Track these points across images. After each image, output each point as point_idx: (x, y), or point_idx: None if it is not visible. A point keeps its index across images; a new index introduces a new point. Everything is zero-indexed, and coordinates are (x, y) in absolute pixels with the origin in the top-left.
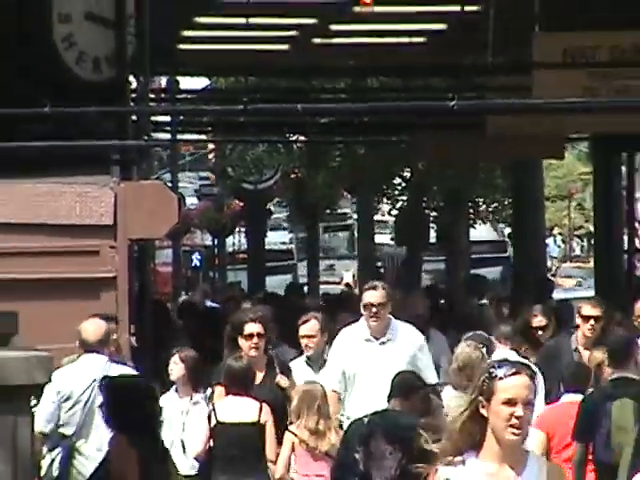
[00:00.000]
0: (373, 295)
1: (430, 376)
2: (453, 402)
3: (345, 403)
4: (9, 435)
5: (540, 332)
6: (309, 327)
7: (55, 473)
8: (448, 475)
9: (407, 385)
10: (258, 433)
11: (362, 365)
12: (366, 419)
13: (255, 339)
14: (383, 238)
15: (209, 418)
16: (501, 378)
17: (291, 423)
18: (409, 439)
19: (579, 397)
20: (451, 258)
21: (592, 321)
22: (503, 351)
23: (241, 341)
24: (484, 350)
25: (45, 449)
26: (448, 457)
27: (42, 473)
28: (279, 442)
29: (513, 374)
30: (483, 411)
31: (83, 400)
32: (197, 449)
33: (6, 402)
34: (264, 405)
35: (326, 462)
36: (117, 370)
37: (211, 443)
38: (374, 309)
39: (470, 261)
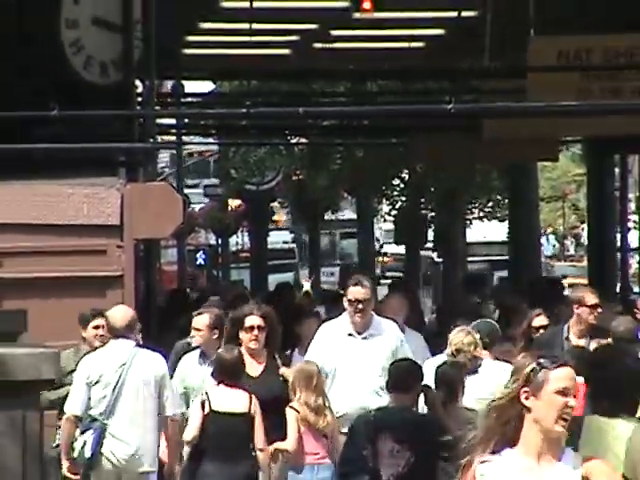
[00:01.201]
0: (358, 291)
1: None
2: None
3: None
4: (19, 429)
5: (542, 331)
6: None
7: (87, 454)
8: (484, 471)
9: (406, 377)
10: (248, 423)
11: (344, 359)
12: (372, 416)
13: (255, 331)
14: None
15: (202, 406)
16: (553, 368)
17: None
18: (416, 437)
19: None
20: (449, 258)
21: (599, 308)
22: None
23: (241, 334)
24: (478, 336)
25: (78, 432)
26: (483, 451)
27: (75, 455)
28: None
29: (562, 365)
30: (527, 402)
31: (112, 383)
32: (192, 434)
33: (15, 397)
34: (253, 396)
35: (322, 441)
36: (143, 355)
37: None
38: (360, 305)
39: (497, 263)
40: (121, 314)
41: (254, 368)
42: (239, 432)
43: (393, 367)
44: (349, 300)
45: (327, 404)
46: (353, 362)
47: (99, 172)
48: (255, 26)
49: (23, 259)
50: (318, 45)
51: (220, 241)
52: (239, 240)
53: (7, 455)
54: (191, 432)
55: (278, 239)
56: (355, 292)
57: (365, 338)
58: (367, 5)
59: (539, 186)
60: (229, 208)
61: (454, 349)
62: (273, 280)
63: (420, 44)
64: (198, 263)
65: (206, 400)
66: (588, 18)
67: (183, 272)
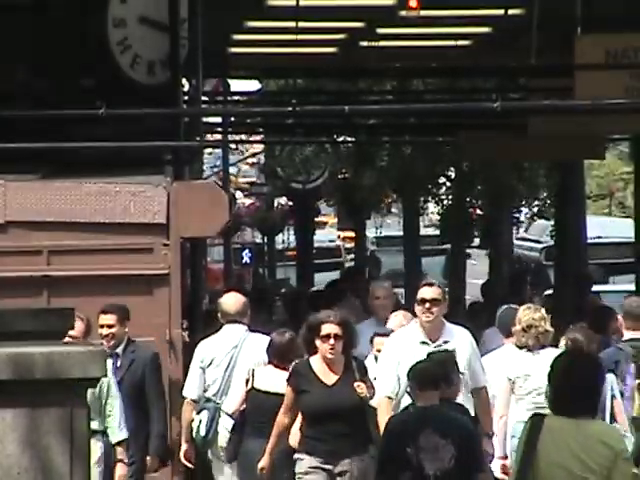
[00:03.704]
0: (428, 291)
1: (481, 379)
2: (517, 360)
3: (399, 407)
4: (66, 427)
5: None
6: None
7: (203, 432)
8: None
9: (435, 375)
10: None
11: None
12: (409, 414)
13: (332, 340)
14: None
15: (247, 382)
16: None
17: None
18: (458, 431)
19: None
20: (495, 257)
21: None
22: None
23: (318, 341)
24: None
25: (194, 413)
26: None
27: (193, 434)
28: None
29: None
30: None
31: (224, 365)
32: (233, 408)
33: (63, 395)
34: None
35: None
36: (255, 338)
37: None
38: (427, 304)
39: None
40: (233, 300)
41: (329, 377)
42: (276, 411)
43: (420, 368)
44: (417, 301)
45: None
46: None
47: (146, 170)
48: (301, 24)
49: (70, 257)
50: (364, 43)
51: (266, 239)
52: (285, 238)
53: (54, 454)
54: (232, 406)
55: (324, 238)
56: (424, 292)
57: (439, 346)
58: (413, 3)
59: (586, 184)
60: (275, 206)
61: (525, 325)
62: (319, 278)
63: (467, 42)
64: (244, 261)
65: (250, 378)
66: (636, 16)
67: (229, 270)
